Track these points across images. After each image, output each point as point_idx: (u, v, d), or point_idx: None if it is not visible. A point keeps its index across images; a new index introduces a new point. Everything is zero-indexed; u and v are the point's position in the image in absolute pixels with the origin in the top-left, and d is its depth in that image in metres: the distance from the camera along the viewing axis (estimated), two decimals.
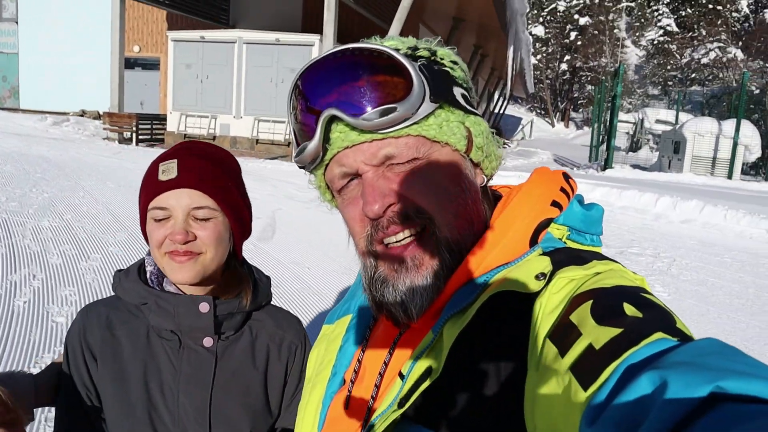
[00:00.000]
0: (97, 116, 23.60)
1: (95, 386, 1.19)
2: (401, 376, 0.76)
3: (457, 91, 0.80)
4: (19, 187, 8.69)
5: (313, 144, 0.78)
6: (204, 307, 1.18)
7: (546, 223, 0.80)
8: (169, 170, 1.13)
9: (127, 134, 19.14)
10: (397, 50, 0.77)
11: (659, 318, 0.59)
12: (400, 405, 0.73)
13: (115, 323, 1.22)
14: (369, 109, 0.73)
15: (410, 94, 0.73)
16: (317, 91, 0.77)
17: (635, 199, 11.57)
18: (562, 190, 0.83)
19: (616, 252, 7.74)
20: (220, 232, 1.18)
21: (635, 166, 21.27)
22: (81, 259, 5.50)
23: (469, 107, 0.82)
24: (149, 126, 20.19)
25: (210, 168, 1.17)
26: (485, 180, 0.86)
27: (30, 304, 4.30)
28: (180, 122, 19.47)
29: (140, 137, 19.33)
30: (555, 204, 0.81)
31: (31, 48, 26.76)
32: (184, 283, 1.18)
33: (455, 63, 0.82)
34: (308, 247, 6.69)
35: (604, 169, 19.11)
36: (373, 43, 0.78)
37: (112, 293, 1.29)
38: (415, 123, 0.75)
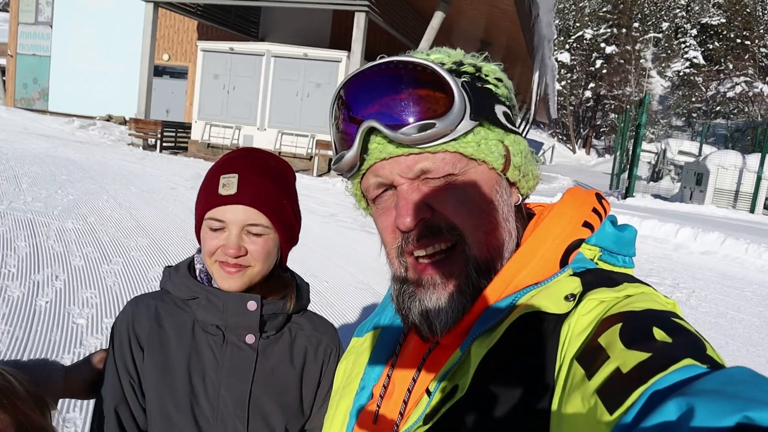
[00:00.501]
0: (123, 122, 23.95)
1: (139, 375, 1.23)
2: (428, 392, 0.76)
3: (499, 109, 0.80)
4: (45, 188, 8.82)
5: (351, 153, 0.79)
6: (252, 305, 1.23)
7: (577, 244, 0.79)
8: (229, 185, 1.17)
9: (151, 141, 19.38)
10: (442, 64, 0.78)
11: (689, 344, 0.58)
12: (426, 422, 0.73)
13: (163, 315, 1.26)
14: (408, 122, 0.74)
15: (450, 111, 0.73)
16: (359, 102, 0.78)
17: (656, 229, 11.47)
18: (595, 210, 0.83)
19: None
20: (269, 248, 1.23)
21: (656, 196, 21.12)
22: (103, 263, 5.56)
23: (509, 125, 0.82)
24: (174, 134, 20.43)
25: (268, 186, 1.22)
26: (520, 199, 0.86)
27: (51, 305, 4.35)
28: (204, 131, 19.68)
29: (164, 144, 19.56)
30: (586, 224, 0.81)
31: (63, 52, 27.28)
32: (230, 290, 1.23)
33: (500, 80, 0.82)
34: (327, 261, 6.70)
35: (625, 197, 18.99)
36: (419, 57, 0.77)
37: (157, 289, 1.34)
38: (453, 139, 0.75)
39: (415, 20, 20.49)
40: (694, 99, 53.71)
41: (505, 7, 17.27)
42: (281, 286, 1.32)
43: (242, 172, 1.20)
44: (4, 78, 29.08)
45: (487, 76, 0.81)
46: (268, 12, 23.96)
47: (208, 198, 1.21)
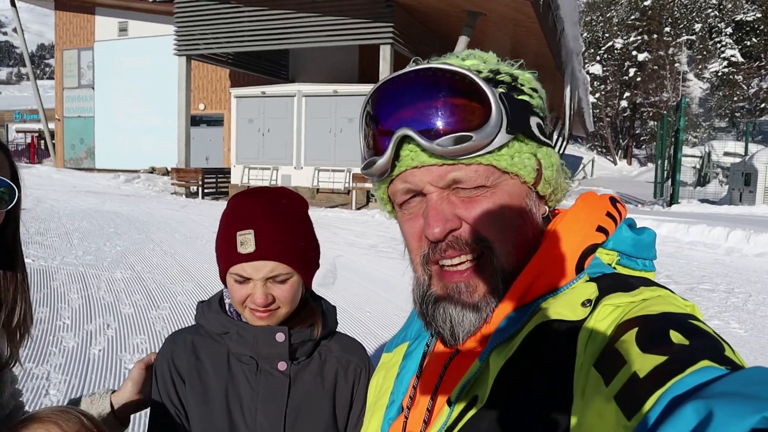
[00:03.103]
0: (166, 172, 24.66)
1: (183, 406, 1.31)
2: (449, 403, 0.77)
3: (534, 121, 0.79)
4: (95, 241, 9.13)
5: (383, 160, 0.79)
6: (280, 336, 1.28)
7: (592, 249, 0.79)
8: (247, 243, 1.22)
9: (193, 188, 19.89)
10: (479, 72, 0.77)
11: (706, 345, 0.57)
12: (448, 431, 0.74)
13: (200, 348, 1.33)
14: (443, 133, 0.73)
15: (487, 123, 0.73)
16: (393, 108, 0.77)
17: (704, 234, 11.15)
18: (609, 215, 0.82)
19: (685, 289, 7.45)
20: (295, 290, 1.28)
21: (703, 201, 20.56)
22: (151, 309, 5.71)
23: (543, 138, 0.81)
24: (214, 179, 20.96)
25: (285, 235, 1.25)
26: (547, 211, 0.86)
27: (104, 352, 4.49)
28: (243, 175, 20.11)
29: (206, 191, 20.05)
30: (601, 229, 0.80)
31: (106, 111, 28.39)
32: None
33: (535, 90, 0.81)
34: (368, 292, 6.73)
35: (670, 204, 18.54)
36: (454, 63, 0.77)
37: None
38: (488, 152, 0.75)
39: (441, 47, 20.68)
40: (735, 98, 52.34)
41: (530, 25, 17.30)
42: (308, 314, 1.37)
43: (257, 227, 1.23)
44: (53, 141, 30.37)
45: (522, 85, 0.80)
46: (296, 54, 24.51)
47: (228, 255, 1.25)
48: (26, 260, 1.30)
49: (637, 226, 0.84)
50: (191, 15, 19.40)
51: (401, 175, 0.80)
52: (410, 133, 0.74)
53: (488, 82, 0.75)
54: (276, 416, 1.28)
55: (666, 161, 23.45)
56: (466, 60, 0.81)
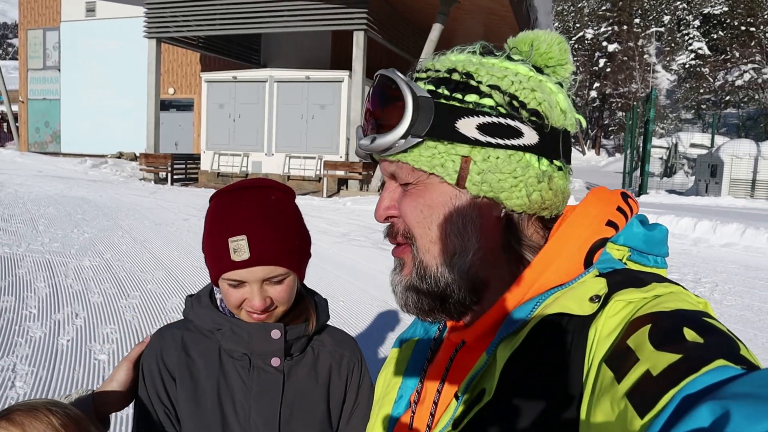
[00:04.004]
0: (134, 157, 24.27)
1: (173, 405, 1.26)
2: (456, 397, 0.77)
3: (469, 122, 0.76)
4: (61, 228, 8.93)
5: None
6: (276, 333, 1.25)
7: (601, 243, 0.78)
8: (240, 249, 1.17)
9: (162, 174, 19.60)
10: (438, 71, 0.80)
11: (721, 344, 0.56)
12: (455, 426, 0.74)
13: (190, 344, 1.29)
14: (368, 134, 0.83)
15: (398, 125, 0.77)
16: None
17: (672, 224, 11.35)
18: (620, 210, 0.81)
19: None
20: (291, 288, 1.25)
21: (671, 191, 20.94)
22: (121, 297, 5.61)
23: (487, 138, 0.77)
24: (183, 166, 20.67)
25: (278, 235, 1.21)
26: (503, 212, 0.80)
27: (73, 342, 4.39)
28: (213, 161, 19.87)
29: (175, 177, 19.77)
30: (611, 224, 0.79)
31: (72, 94, 27.77)
32: None
33: (495, 87, 0.77)
34: (341, 281, 6.71)
35: (638, 195, 18.84)
36: (429, 65, 0.83)
37: (179, 318, 1.36)
38: (403, 152, 0.80)
39: (414, 34, 20.63)
40: (702, 90, 53.26)
41: (504, 14, 17.36)
42: (302, 309, 1.34)
43: (250, 231, 1.19)
44: (17, 124, 29.62)
45: (480, 83, 0.77)
46: (268, 38, 24.24)
47: (221, 262, 1.20)
48: None
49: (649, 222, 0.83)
50: None
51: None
52: (360, 132, 0.86)
53: (434, 81, 0.79)
54: (270, 413, 1.26)
55: (634, 152, 23.81)
56: (452, 55, 0.83)
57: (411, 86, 0.77)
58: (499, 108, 0.77)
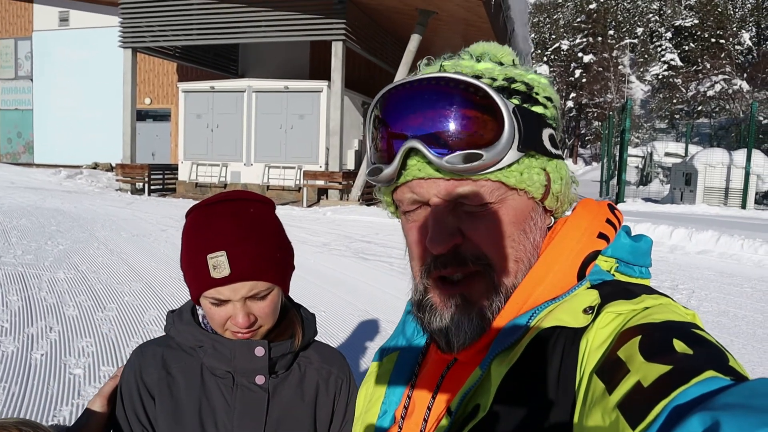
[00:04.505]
0: (110, 168, 23.97)
1: (152, 424, 1.22)
2: (449, 412, 0.75)
3: (546, 134, 0.77)
4: (35, 240, 8.76)
5: (390, 170, 0.76)
6: (260, 351, 1.21)
7: (593, 256, 0.78)
8: (220, 266, 1.12)
9: (139, 185, 19.38)
10: (493, 80, 0.75)
11: (710, 355, 0.56)
12: None
13: (170, 362, 1.24)
14: (453, 149, 0.71)
15: (499, 141, 0.71)
16: (402, 116, 0.74)
17: (649, 232, 11.47)
18: (608, 221, 0.81)
19: None
20: (275, 303, 1.21)
21: (647, 200, 21.21)
22: (97, 310, 5.49)
23: (554, 150, 0.79)
24: (161, 176, 20.46)
25: (258, 249, 1.16)
26: (552, 221, 0.85)
27: (47, 357, 4.28)
28: (191, 171, 19.70)
29: (152, 187, 19.57)
30: (602, 236, 0.79)
31: (45, 104, 27.40)
32: None
33: (549, 99, 0.79)
34: (322, 291, 6.65)
35: (616, 203, 19.04)
36: (468, 67, 0.76)
37: (161, 334, 1.32)
38: (497, 169, 0.73)
39: (393, 45, 20.71)
40: (675, 101, 54.21)
41: (481, 25, 17.51)
42: (288, 324, 1.30)
43: (229, 246, 1.14)
44: None
45: (537, 95, 0.78)
46: (246, 48, 24.17)
47: (200, 280, 1.15)
48: None
49: (633, 233, 0.84)
50: (137, 5, 18.88)
51: (408, 183, 0.78)
52: (419, 146, 0.72)
53: (502, 92, 0.74)
54: None
55: (611, 161, 24.10)
56: (480, 63, 0.78)
57: (502, 95, 0.72)
58: (554, 120, 0.80)
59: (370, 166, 0.81)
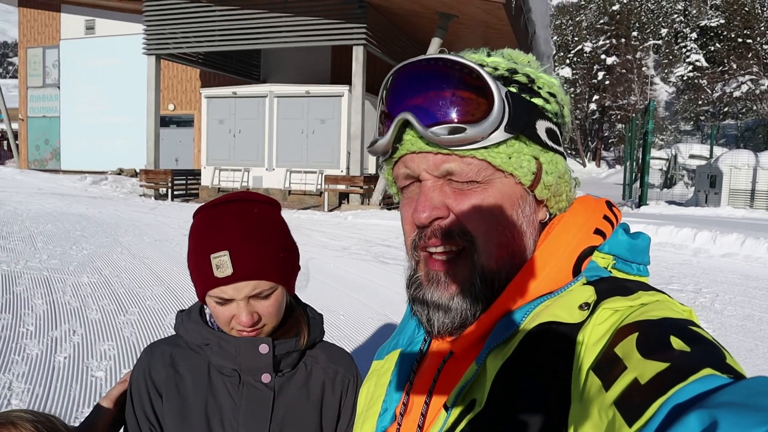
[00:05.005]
0: (134, 174, 24.32)
1: (159, 421, 1.24)
2: (446, 407, 0.75)
3: (542, 125, 0.79)
4: (60, 245, 8.92)
5: (384, 141, 0.80)
6: (264, 348, 1.22)
7: (589, 252, 0.78)
8: (222, 266, 1.14)
9: (162, 190, 19.62)
10: (495, 69, 0.78)
11: (708, 353, 0.56)
12: None
13: (178, 360, 1.27)
14: (441, 122, 0.74)
15: (486, 119, 0.73)
16: (400, 92, 0.78)
17: (672, 235, 11.33)
18: (606, 218, 0.82)
19: None
20: (279, 302, 1.23)
21: (670, 202, 20.92)
22: (119, 314, 5.58)
23: (551, 143, 0.80)
24: (184, 181, 20.69)
25: (261, 249, 1.18)
26: (547, 217, 0.85)
27: (70, 360, 4.36)
28: (214, 176, 19.90)
29: (175, 193, 19.80)
30: (598, 232, 0.80)
31: (72, 111, 27.87)
32: None
33: (553, 95, 0.81)
34: (341, 295, 6.68)
35: (638, 206, 18.83)
36: (472, 58, 0.79)
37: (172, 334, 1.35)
38: (483, 147, 0.75)
39: (414, 49, 20.72)
40: (700, 102, 53.42)
41: (502, 28, 17.44)
42: (293, 323, 1.32)
43: (232, 246, 1.16)
44: (17, 142, 29.71)
45: (540, 88, 0.80)
46: (268, 54, 24.36)
47: (205, 279, 1.18)
48: None
49: (632, 231, 0.84)
50: (161, 13, 19.14)
51: (402, 159, 0.81)
52: (410, 117, 0.75)
53: (500, 79, 0.76)
54: (259, 431, 1.23)
55: (634, 163, 23.83)
56: (492, 56, 0.82)
57: (498, 82, 0.75)
58: (555, 115, 0.81)
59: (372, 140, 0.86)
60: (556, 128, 0.82)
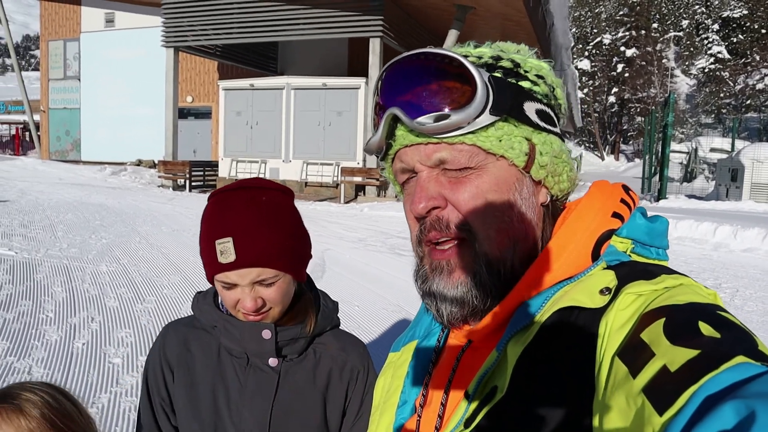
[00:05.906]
0: (153, 165, 24.51)
1: (170, 396, 1.29)
2: (467, 396, 0.75)
3: (531, 106, 0.78)
4: (80, 234, 9.03)
5: (376, 138, 0.82)
6: (266, 334, 1.23)
7: (608, 235, 0.77)
8: (226, 252, 1.15)
9: (180, 181, 19.77)
10: (480, 58, 0.78)
11: (739, 339, 0.55)
12: (467, 425, 0.72)
13: (191, 339, 1.31)
14: (426, 112, 0.74)
15: (470, 104, 0.73)
16: (389, 89, 0.79)
17: (692, 229, 11.20)
18: (623, 201, 0.81)
19: None
20: (284, 289, 1.23)
21: (690, 196, 20.69)
22: (137, 302, 5.64)
23: (543, 124, 0.80)
24: (202, 173, 20.85)
25: (266, 236, 1.17)
26: (549, 199, 0.83)
27: (88, 346, 4.42)
28: (231, 168, 20.01)
29: (193, 184, 19.94)
30: (616, 215, 0.79)
31: (92, 102, 28.14)
32: None
33: (541, 77, 0.81)
34: (357, 286, 6.69)
35: (657, 199, 18.64)
36: (456, 51, 0.79)
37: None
38: (471, 132, 0.75)
39: (430, 41, 20.63)
40: (722, 94, 52.59)
41: (519, 20, 17.30)
42: (299, 310, 1.31)
43: (236, 233, 1.16)
44: (38, 133, 30.07)
45: (527, 72, 0.79)
46: (285, 46, 24.39)
47: (211, 263, 1.19)
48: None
49: (649, 215, 0.82)
50: (179, 6, 19.22)
51: (397, 154, 0.82)
52: (397, 112, 0.76)
53: (483, 67, 0.77)
54: (261, 412, 1.24)
55: (654, 157, 23.57)
56: (480, 48, 0.82)
57: (480, 68, 0.75)
58: (545, 96, 0.81)
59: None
60: (548, 109, 0.81)
